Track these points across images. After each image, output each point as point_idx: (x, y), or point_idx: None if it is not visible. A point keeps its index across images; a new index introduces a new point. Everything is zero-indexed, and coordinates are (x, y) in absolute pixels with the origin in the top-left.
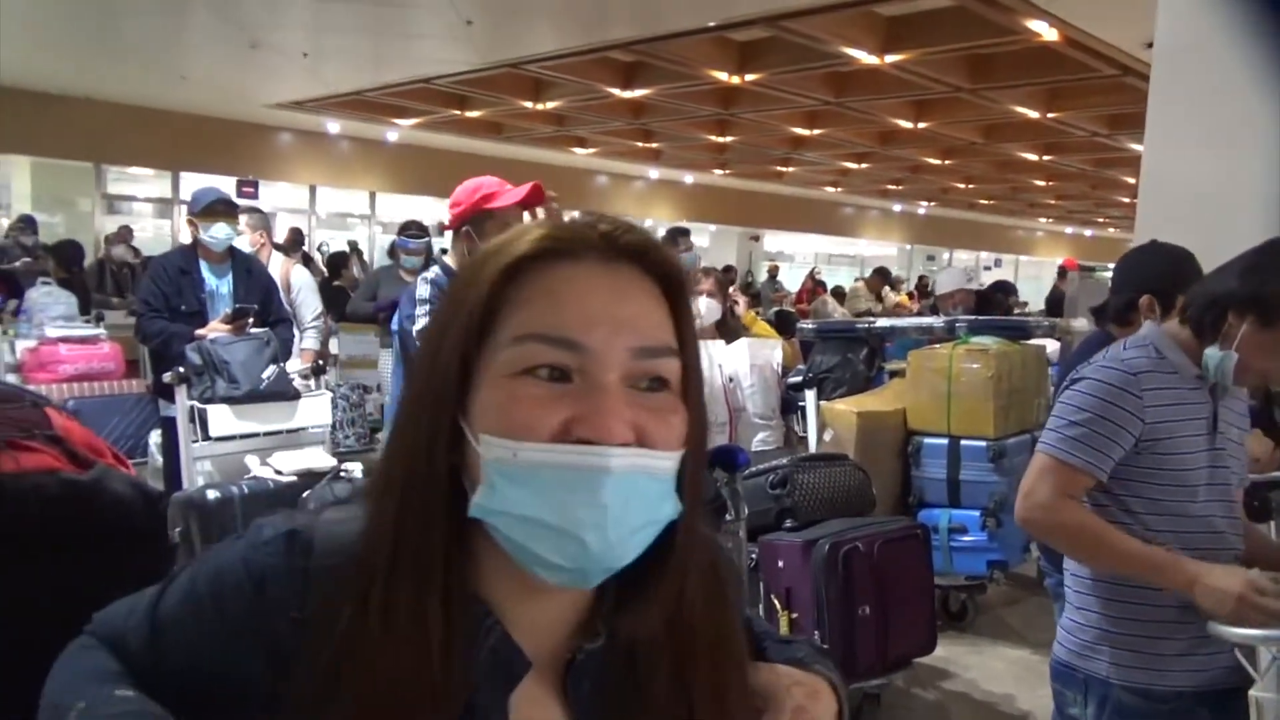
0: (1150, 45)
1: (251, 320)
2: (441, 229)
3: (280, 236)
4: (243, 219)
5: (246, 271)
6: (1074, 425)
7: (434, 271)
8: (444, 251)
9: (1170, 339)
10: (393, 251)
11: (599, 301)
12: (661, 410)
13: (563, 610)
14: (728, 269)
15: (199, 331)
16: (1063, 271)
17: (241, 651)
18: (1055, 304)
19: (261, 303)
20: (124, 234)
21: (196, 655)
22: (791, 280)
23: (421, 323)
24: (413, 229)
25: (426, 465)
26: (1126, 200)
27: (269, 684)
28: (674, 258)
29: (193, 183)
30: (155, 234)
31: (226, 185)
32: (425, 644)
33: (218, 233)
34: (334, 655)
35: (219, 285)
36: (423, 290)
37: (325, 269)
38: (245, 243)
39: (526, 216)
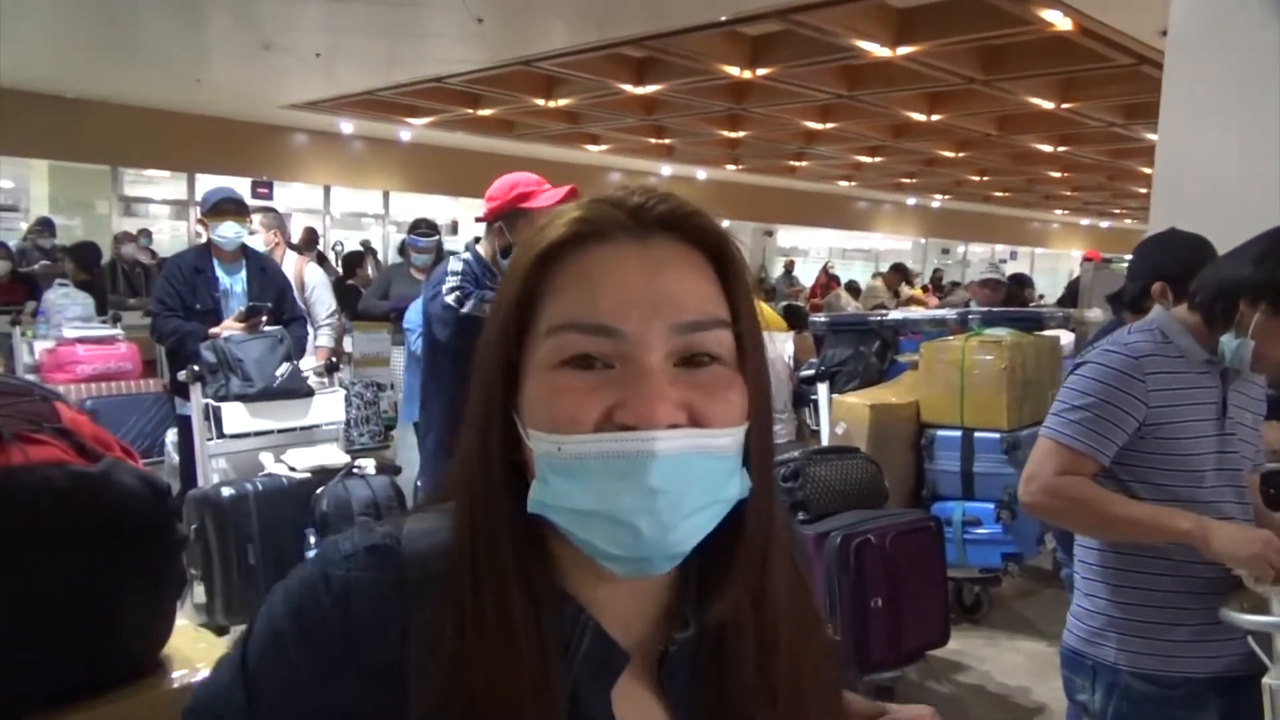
0: (1165, 33)
1: (265, 318)
2: (476, 220)
3: (295, 236)
4: (256, 218)
5: (260, 270)
6: (1076, 409)
7: (467, 254)
8: (476, 240)
9: (1178, 324)
10: (403, 250)
11: (633, 282)
12: (714, 386)
13: (648, 598)
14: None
15: (213, 330)
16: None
17: (342, 682)
18: (1072, 296)
19: (275, 301)
20: (135, 235)
21: (299, 703)
22: (806, 275)
23: (452, 296)
24: (422, 227)
25: (484, 465)
26: (1143, 191)
27: (373, 705)
28: (714, 223)
29: (208, 184)
30: (172, 235)
31: (241, 186)
32: (519, 648)
33: (226, 231)
34: (438, 669)
35: (233, 284)
36: (455, 265)
37: (340, 268)
38: (259, 242)
39: None
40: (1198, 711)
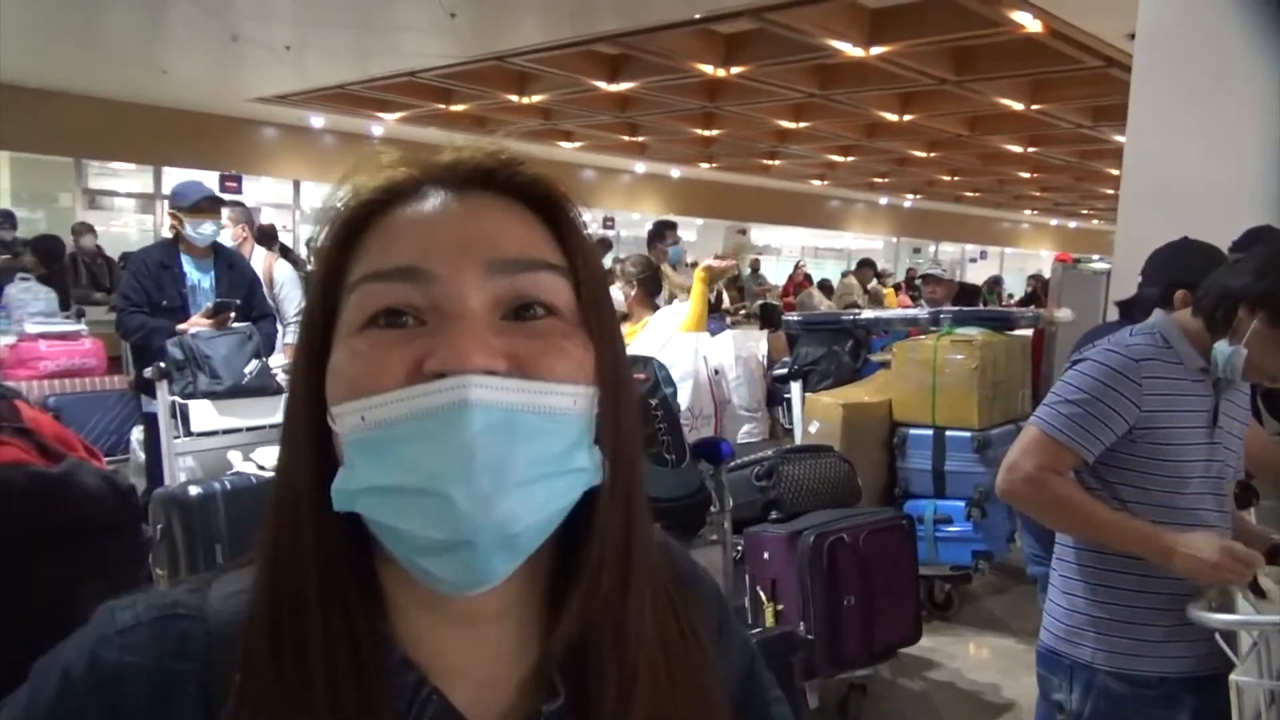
0: (1133, 36)
1: (234, 315)
2: None
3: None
4: (225, 213)
5: (229, 266)
6: (1069, 404)
7: None
8: None
9: (1179, 329)
10: None
11: (444, 226)
12: (549, 337)
13: (505, 656)
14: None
15: (180, 326)
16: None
17: None
18: (1030, 296)
19: (244, 298)
20: (89, 226)
21: None
22: (777, 274)
23: None
24: None
25: (302, 488)
26: (1110, 192)
27: None
28: (537, 173)
29: (175, 178)
30: (139, 230)
31: (209, 180)
32: None
33: (205, 229)
34: None
35: (201, 280)
36: None
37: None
38: (228, 237)
39: None
40: (1173, 709)
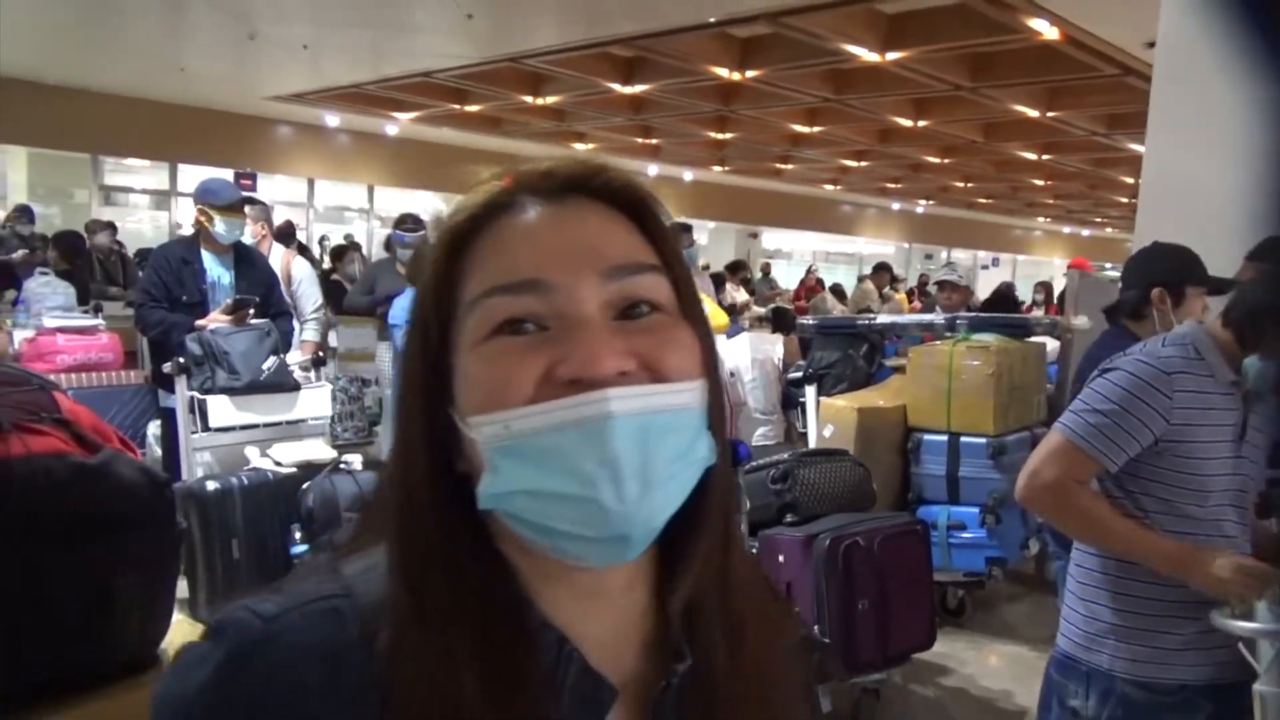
0: (1152, 45)
1: (252, 311)
2: None
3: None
4: (246, 210)
5: (249, 263)
6: (1096, 413)
7: None
8: None
9: (1210, 340)
10: (389, 245)
11: (553, 237)
12: (658, 330)
13: (632, 622)
14: (739, 264)
15: (199, 322)
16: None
17: None
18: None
19: (263, 295)
20: (105, 224)
21: None
22: (789, 278)
23: None
24: (408, 223)
25: (422, 481)
26: (1124, 200)
27: None
28: (626, 176)
29: (190, 175)
30: (153, 226)
31: (224, 178)
32: (503, 692)
33: (235, 229)
34: None
35: (221, 276)
36: None
37: (328, 260)
38: (247, 234)
39: None
40: (1190, 716)
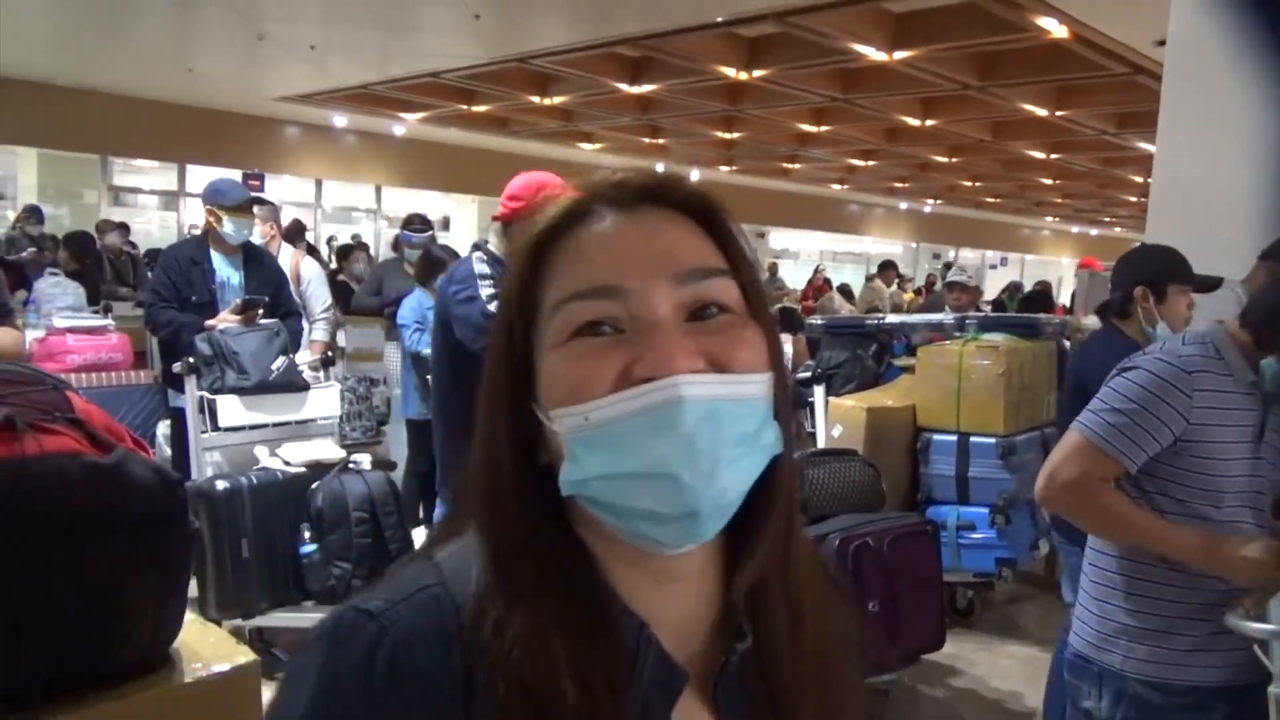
0: (1162, 43)
1: (261, 311)
2: (493, 218)
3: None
4: (255, 210)
5: (258, 263)
6: (1116, 413)
7: (484, 254)
8: (485, 241)
9: (1230, 340)
10: (396, 245)
11: (627, 244)
12: (728, 330)
13: (697, 604)
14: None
15: (209, 322)
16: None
17: None
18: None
19: (272, 295)
20: (116, 225)
21: None
22: (796, 277)
23: (492, 294)
24: (416, 223)
25: (507, 471)
26: (1133, 199)
27: None
28: (695, 186)
29: (199, 175)
30: (161, 226)
31: (233, 178)
32: (587, 672)
33: (244, 229)
34: (504, 703)
35: (230, 276)
36: (481, 267)
37: (334, 260)
38: (256, 234)
39: None
40: (1202, 718)
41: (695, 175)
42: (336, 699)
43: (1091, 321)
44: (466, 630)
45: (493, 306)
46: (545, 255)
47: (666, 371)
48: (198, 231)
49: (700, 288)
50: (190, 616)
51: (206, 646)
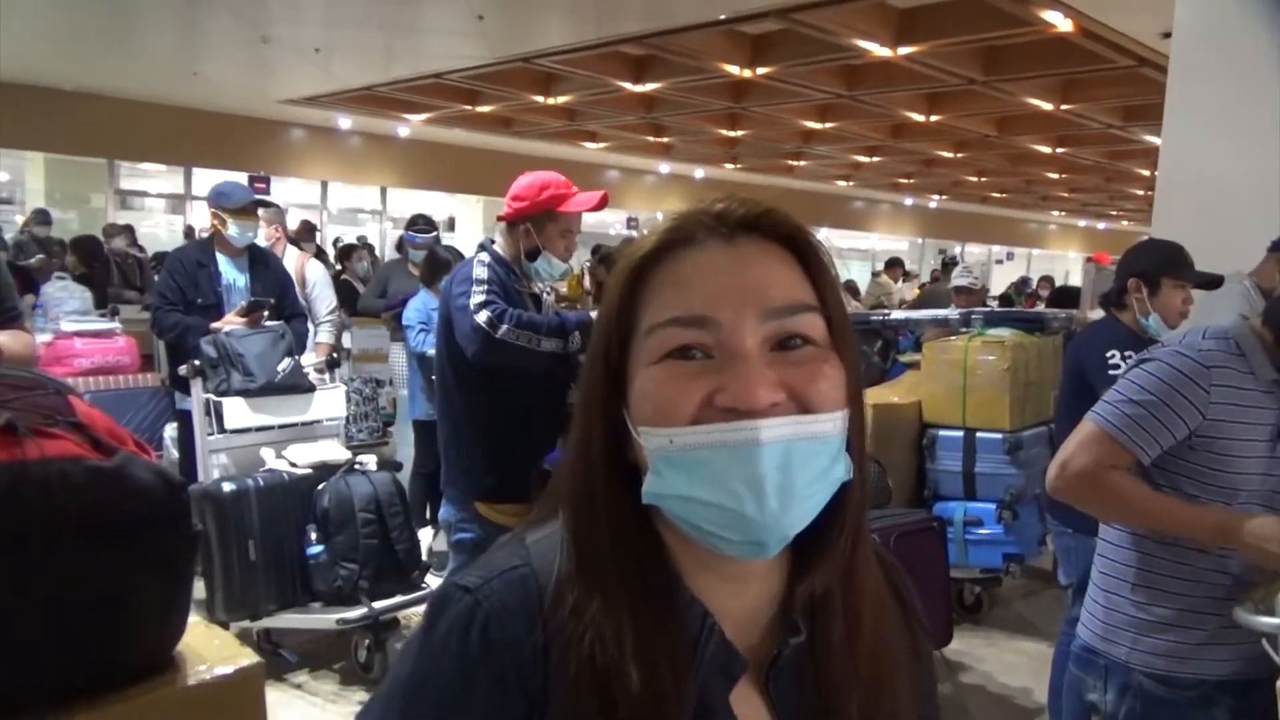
0: (1168, 35)
1: (267, 313)
2: (498, 219)
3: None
4: (260, 213)
5: (263, 265)
6: (1133, 404)
7: (487, 256)
8: (492, 241)
9: (1254, 337)
10: (400, 246)
11: (723, 276)
12: (811, 363)
13: (763, 601)
14: None
15: (214, 325)
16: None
17: (490, 703)
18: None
19: (278, 297)
20: (123, 228)
21: None
22: None
23: (484, 315)
24: (420, 223)
25: (595, 468)
26: (1140, 193)
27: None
28: (792, 219)
29: (205, 179)
30: (168, 230)
31: (237, 180)
32: (649, 651)
33: (248, 231)
34: (576, 677)
35: (236, 279)
36: (480, 271)
37: (337, 262)
38: (262, 237)
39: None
40: (1208, 711)
41: (700, 174)
42: (435, 661)
43: (1098, 315)
44: (547, 610)
45: (482, 316)
46: (646, 275)
47: (747, 403)
48: (205, 234)
49: (788, 322)
50: (194, 619)
51: (210, 649)
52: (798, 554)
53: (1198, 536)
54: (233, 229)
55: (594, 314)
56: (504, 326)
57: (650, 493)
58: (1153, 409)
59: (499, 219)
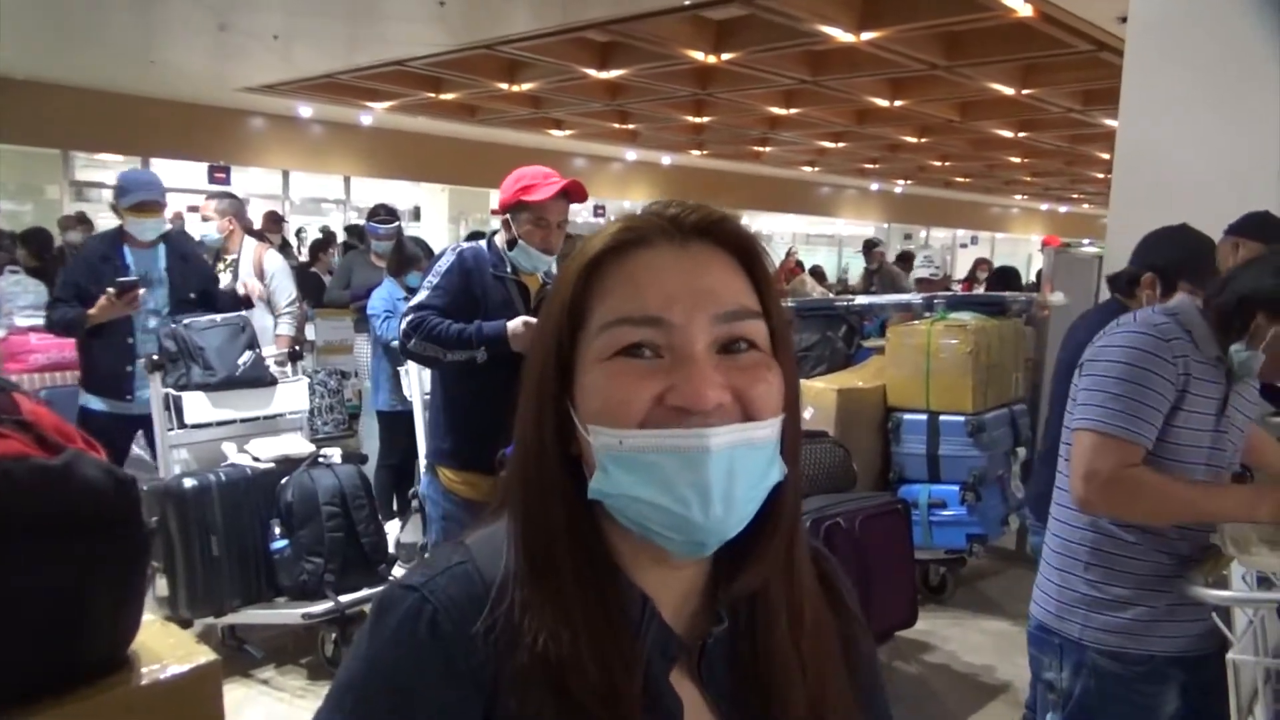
0: (1124, 20)
1: (141, 292)
2: (492, 213)
3: (256, 222)
4: (211, 204)
5: (181, 257)
6: (1117, 398)
7: (467, 246)
8: (494, 232)
9: (1199, 316)
10: (362, 236)
11: (676, 279)
12: (755, 368)
13: (693, 590)
14: None
15: (90, 312)
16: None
17: (442, 695)
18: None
19: (198, 290)
20: (79, 218)
21: None
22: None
23: (407, 320)
24: (382, 214)
25: (542, 460)
26: (1100, 176)
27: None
28: (743, 228)
29: (163, 169)
30: None
31: (198, 171)
32: (597, 637)
33: (146, 231)
34: (525, 672)
35: (149, 271)
36: (443, 264)
37: (307, 254)
38: (213, 229)
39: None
40: (1160, 685)
41: (667, 160)
42: (384, 658)
43: (1058, 298)
44: (494, 602)
45: (404, 322)
46: (598, 272)
47: (697, 404)
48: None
49: (734, 326)
50: (149, 617)
51: (166, 647)
52: (725, 547)
53: (1239, 517)
54: (132, 226)
55: (511, 323)
56: (415, 339)
57: (597, 490)
58: (1137, 395)
59: (493, 213)
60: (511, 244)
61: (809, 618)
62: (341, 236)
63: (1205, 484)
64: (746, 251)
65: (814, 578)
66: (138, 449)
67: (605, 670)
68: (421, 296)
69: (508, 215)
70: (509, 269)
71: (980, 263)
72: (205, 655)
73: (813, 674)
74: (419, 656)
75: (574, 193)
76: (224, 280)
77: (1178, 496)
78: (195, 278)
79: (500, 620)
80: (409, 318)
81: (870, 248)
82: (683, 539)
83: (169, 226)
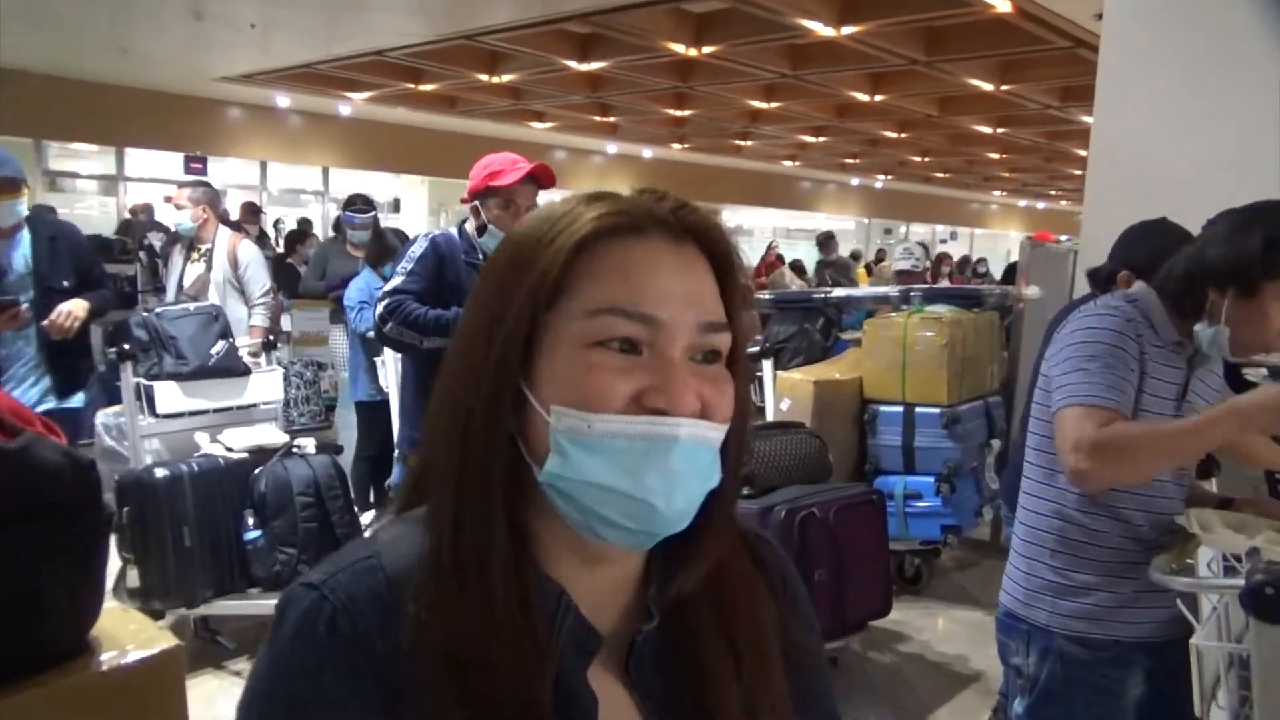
0: (1100, 16)
1: (25, 306)
2: (461, 201)
3: (235, 214)
4: (184, 193)
5: (49, 240)
6: (1089, 371)
7: (440, 233)
8: (464, 220)
9: (1157, 301)
10: (338, 226)
11: (671, 278)
12: (718, 380)
13: (621, 587)
14: None
15: None
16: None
17: (347, 705)
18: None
19: (78, 273)
20: (48, 210)
21: None
22: (749, 255)
23: (384, 304)
24: (358, 203)
25: (488, 435)
26: (1078, 173)
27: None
28: (730, 238)
29: (138, 159)
30: (101, 212)
31: (174, 161)
32: (514, 633)
33: (3, 216)
34: (432, 659)
35: (14, 260)
36: (416, 249)
37: (283, 245)
38: (187, 218)
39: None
40: (1125, 670)
41: (648, 154)
42: (283, 664)
43: (1033, 292)
44: (399, 597)
45: (380, 307)
46: (593, 250)
47: (678, 409)
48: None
49: (712, 337)
50: (110, 603)
51: (126, 633)
52: (660, 545)
53: (1255, 428)
54: None
55: None
56: (391, 323)
57: (552, 473)
58: (1108, 366)
59: (462, 201)
60: (481, 230)
61: (745, 613)
62: (323, 231)
63: (1188, 419)
64: (727, 262)
65: (751, 570)
66: (109, 440)
67: (520, 666)
68: (396, 281)
69: (476, 201)
70: (480, 255)
71: (944, 258)
72: (167, 641)
73: (748, 673)
74: (317, 661)
75: (542, 177)
76: (197, 270)
77: (1168, 432)
78: (67, 265)
79: (405, 617)
80: (385, 302)
81: (825, 240)
82: (637, 528)
83: (179, 208)
